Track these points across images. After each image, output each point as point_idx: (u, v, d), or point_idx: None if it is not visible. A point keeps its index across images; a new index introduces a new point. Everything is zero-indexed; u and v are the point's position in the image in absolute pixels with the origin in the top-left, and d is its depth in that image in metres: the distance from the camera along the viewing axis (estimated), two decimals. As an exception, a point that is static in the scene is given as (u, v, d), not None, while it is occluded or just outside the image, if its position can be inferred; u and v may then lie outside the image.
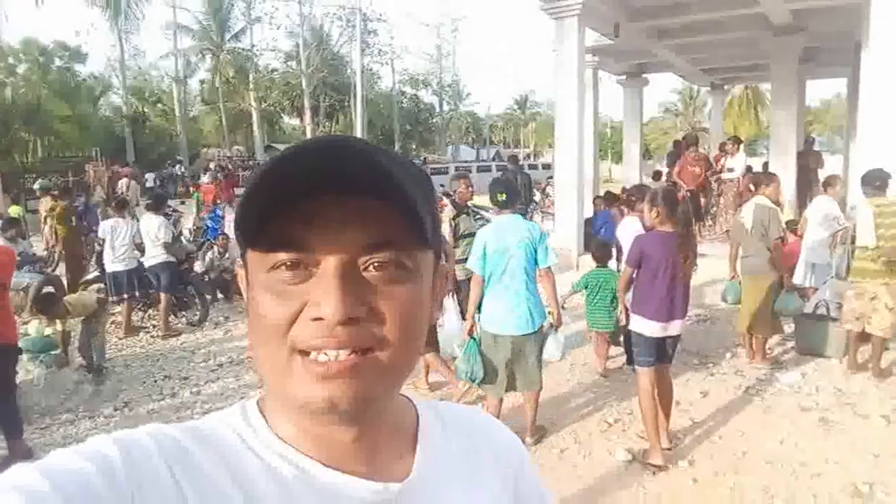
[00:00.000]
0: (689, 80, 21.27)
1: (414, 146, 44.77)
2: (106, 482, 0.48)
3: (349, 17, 33.23)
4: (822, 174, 10.94)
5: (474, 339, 4.24)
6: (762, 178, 6.08)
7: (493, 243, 4.12)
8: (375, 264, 0.53)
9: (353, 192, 0.50)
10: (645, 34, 11.71)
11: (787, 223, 6.62)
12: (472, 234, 6.05)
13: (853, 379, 5.18)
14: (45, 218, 10.52)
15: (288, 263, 0.52)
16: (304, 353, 0.52)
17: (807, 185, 11.40)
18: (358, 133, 26.74)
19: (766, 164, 12.17)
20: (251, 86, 33.56)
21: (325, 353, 0.52)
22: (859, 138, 8.17)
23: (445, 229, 5.86)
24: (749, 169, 10.56)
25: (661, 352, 4.02)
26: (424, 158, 35.71)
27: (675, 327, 3.99)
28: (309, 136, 34.22)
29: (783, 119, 11.47)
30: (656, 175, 12.97)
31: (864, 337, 5.29)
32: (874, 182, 5.17)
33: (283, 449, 0.57)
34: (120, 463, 0.50)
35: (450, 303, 5.76)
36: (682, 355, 5.84)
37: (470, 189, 6.03)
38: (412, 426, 0.67)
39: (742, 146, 10.31)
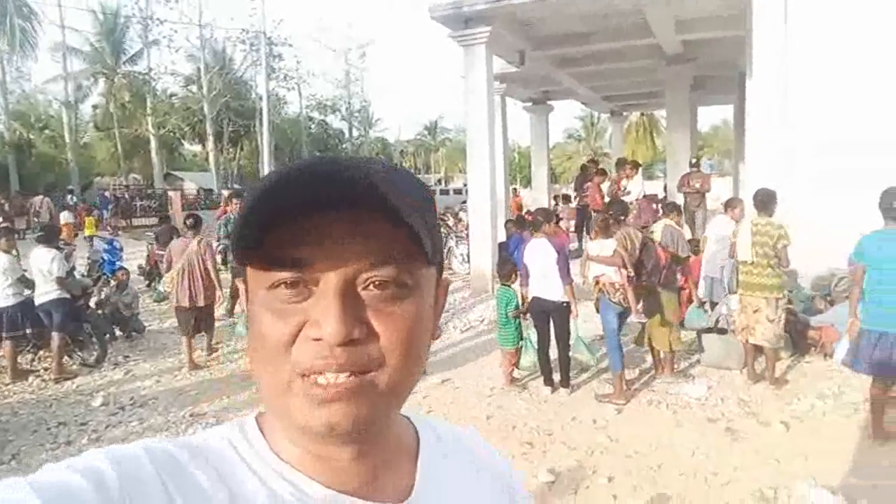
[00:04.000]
0: (591, 107, 22.29)
1: (324, 172, 44.28)
2: (98, 497, 0.47)
3: (253, 41, 32.68)
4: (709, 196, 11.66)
5: None
6: (671, 206, 6.49)
7: None
8: (376, 282, 0.52)
9: (351, 210, 0.50)
10: (549, 62, 12.18)
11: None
12: None
13: (753, 389, 5.49)
14: None
15: (288, 282, 0.52)
16: (303, 374, 0.52)
17: (693, 205, 11.07)
18: (265, 159, 26.16)
19: (665, 187, 12.86)
20: (149, 111, 32.08)
21: (325, 376, 0.51)
22: (747, 161, 8.80)
23: None
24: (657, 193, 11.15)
25: None
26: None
27: None
28: (212, 162, 33.28)
29: (678, 143, 12.23)
30: (565, 198, 13.46)
31: (759, 348, 5.63)
32: (759, 200, 5.56)
33: (282, 467, 0.57)
34: (113, 477, 0.49)
35: None
36: (596, 373, 6.05)
37: None
38: (412, 445, 0.67)
39: (640, 170, 10.85)
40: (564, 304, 5.51)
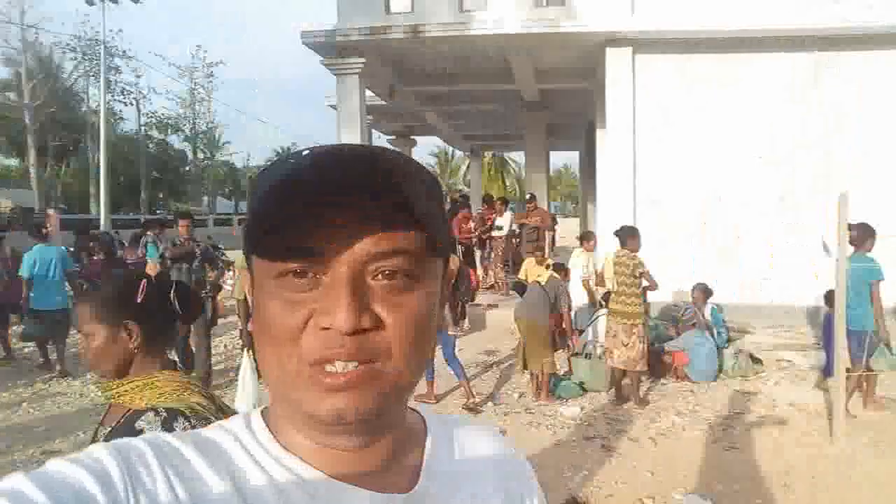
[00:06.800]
0: (451, 144, 23.16)
1: (161, 195, 41.42)
2: (102, 491, 0.47)
3: (86, 50, 30.25)
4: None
5: None
6: (558, 265, 7.01)
7: None
8: (385, 272, 0.52)
9: (362, 199, 0.50)
10: (416, 98, 12.55)
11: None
12: None
13: (621, 409, 5.94)
14: None
15: (296, 271, 0.51)
16: (313, 363, 0.52)
17: (531, 239, 10.34)
18: (101, 178, 24.00)
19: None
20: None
21: (334, 365, 0.51)
22: (598, 203, 9.64)
23: (238, 281, 5.62)
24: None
25: None
26: (178, 209, 33.19)
27: None
28: (34, 178, 29.88)
29: (535, 183, 13.08)
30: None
31: (624, 371, 6.13)
32: (620, 236, 6.15)
33: (287, 459, 0.56)
34: (117, 473, 0.49)
35: (246, 360, 5.45)
36: (476, 398, 6.16)
37: None
38: (421, 439, 0.66)
39: (509, 206, 11.47)
40: None
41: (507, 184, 42.02)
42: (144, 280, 1.48)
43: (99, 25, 24.09)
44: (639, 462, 4.74)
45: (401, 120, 15.33)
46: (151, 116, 38.73)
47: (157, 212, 32.21)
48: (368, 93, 11.77)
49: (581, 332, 7.16)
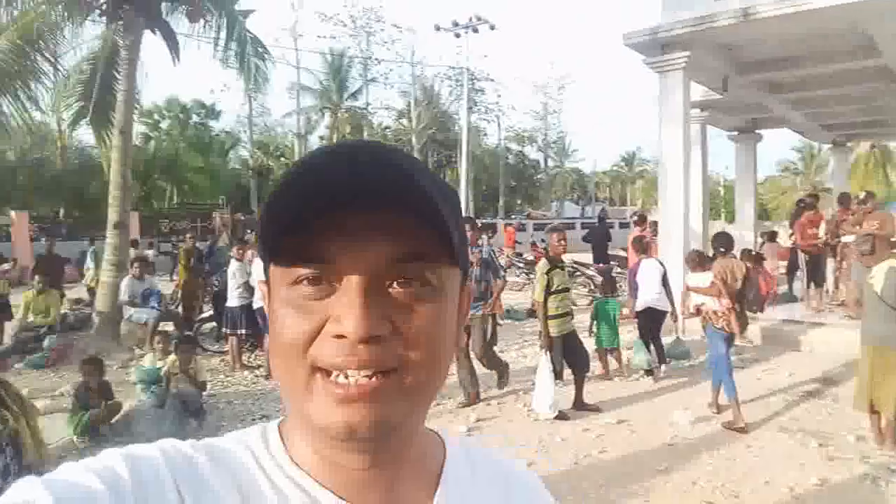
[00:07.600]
0: (808, 137, 20.20)
1: (519, 201, 45.25)
2: (111, 497, 0.48)
3: (458, 77, 34.63)
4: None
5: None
6: None
7: None
8: (400, 280, 0.51)
9: (378, 202, 0.48)
10: (756, 88, 11.32)
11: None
12: (567, 290, 6.04)
13: None
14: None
15: (310, 278, 0.50)
16: (325, 372, 0.50)
17: (864, 251, 8.21)
18: (462, 188, 27.27)
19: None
20: (366, 142, 35.15)
21: (346, 374, 0.49)
22: None
23: (537, 284, 5.90)
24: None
25: None
26: (528, 213, 35.99)
27: None
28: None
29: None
30: (771, 236, 12.30)
31: None
32: None
33: (296, 474, 0.56)
34: (127, 479, 0.50)
35: (543, 361, 5.72)
36: (797, 435, 5.26)
37: (563, 243, 5.99)
38: (437, 464, 0.63)
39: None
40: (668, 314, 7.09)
41: (893, 180, 34.36)
42: None
43: (471, 53, 27.49)
44: None
45: (742, 113, 13.94)
46: (510, 130, 42.72)
47: (513, 217, 35.28)
48: (702, 88, 11.10)
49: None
